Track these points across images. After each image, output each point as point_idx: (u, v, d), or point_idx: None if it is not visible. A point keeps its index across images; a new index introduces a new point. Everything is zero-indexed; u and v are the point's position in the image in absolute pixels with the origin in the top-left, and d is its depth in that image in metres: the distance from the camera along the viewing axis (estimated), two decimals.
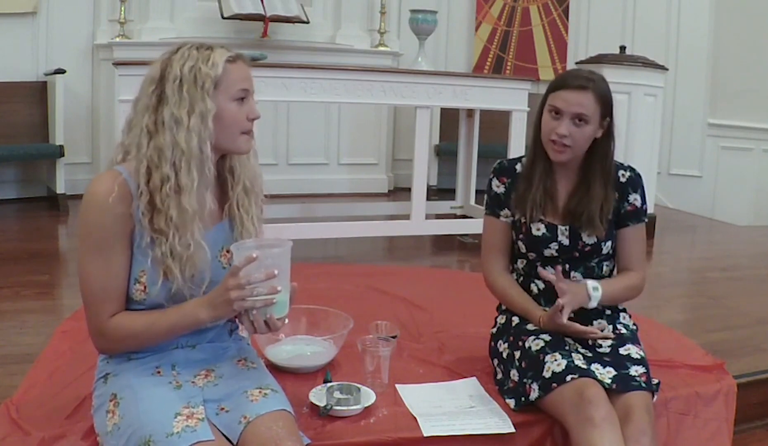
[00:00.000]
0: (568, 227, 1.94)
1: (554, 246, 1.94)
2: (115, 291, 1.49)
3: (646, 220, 2.02)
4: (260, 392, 1.53)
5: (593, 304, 1.86)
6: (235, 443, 1.46)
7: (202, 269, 1.51)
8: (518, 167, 2.01)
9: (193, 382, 1.55)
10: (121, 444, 1.42)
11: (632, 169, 1.99)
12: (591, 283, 1.86)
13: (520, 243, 1.99)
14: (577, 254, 1.94)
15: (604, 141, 1.91)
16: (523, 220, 1.96)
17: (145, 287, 1.49)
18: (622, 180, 1.96)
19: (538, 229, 1.95)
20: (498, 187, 2.02)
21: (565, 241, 1.94)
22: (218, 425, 1.48)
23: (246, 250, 1.45)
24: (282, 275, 1.45)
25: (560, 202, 1.96)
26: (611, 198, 1.93)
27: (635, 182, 1.97)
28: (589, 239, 1.93)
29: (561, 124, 1.85)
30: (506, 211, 2.01)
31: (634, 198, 1.96)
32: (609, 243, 1.96)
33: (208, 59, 1.49)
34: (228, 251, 1.58)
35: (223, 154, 1.59)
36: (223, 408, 1.51)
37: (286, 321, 1.53)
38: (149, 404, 1.45)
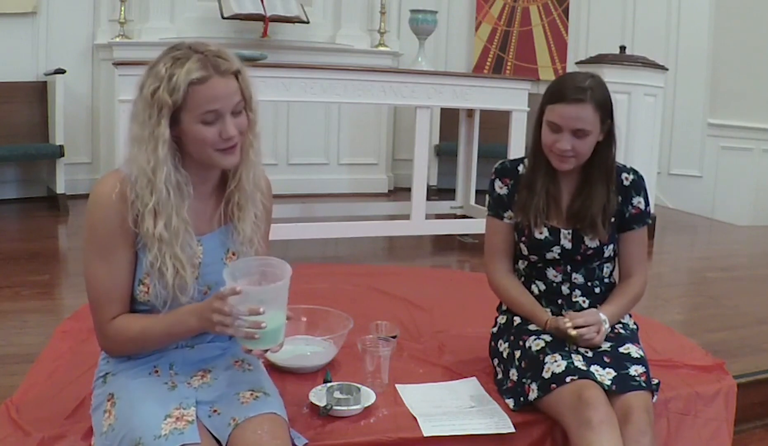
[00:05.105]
0: (571, 231, 1.93)
1: (557, 249, 1.94)
2: (117, 293, 1.50)
3: (650, 222, 2.02)
4: (252, 394, 1.53)
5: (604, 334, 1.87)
6: (224, 445, 1.46)
7: (181, 282, 1.49)
8: (520, 168, 1.99)
9: (188, 383, 1.55)
10: (115, 445, 1.43)
11: (635, 171, 1.98)
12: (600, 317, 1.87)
13: (522, 245, 1.98)
14: (579, 257, 1.94)
15: (605, 143, 1.89)
16: (526, 223, 1.96)
17: (148, 288, 1.50)
18: (626, 183, 1.95)
19: (541, 233, 1.94)
20: (501, 189, 2.00)
21: (568, 245, 1.93)
22: (210, 427, 1.48)
23: (239, 272, 1.42)
24: (273, 307, 1.41)
25: (563, 205, 1.95)
26: (614, 201, 1.92)
27: (639, 185, 1.96)
28: (591, 243, 1.92)
29: (562, 139, 1.83)
30: (509, 213, 1.99)
31: (638, 201, 1.95)
32: (611, 247, 1.95)
33: (171, 79, 1.42)
34: (234, 254, 1.58)
35: None
36: (215, 411, 1.51)
37: (281, 347, 1.49)
38: (142, 405, 1.45)
